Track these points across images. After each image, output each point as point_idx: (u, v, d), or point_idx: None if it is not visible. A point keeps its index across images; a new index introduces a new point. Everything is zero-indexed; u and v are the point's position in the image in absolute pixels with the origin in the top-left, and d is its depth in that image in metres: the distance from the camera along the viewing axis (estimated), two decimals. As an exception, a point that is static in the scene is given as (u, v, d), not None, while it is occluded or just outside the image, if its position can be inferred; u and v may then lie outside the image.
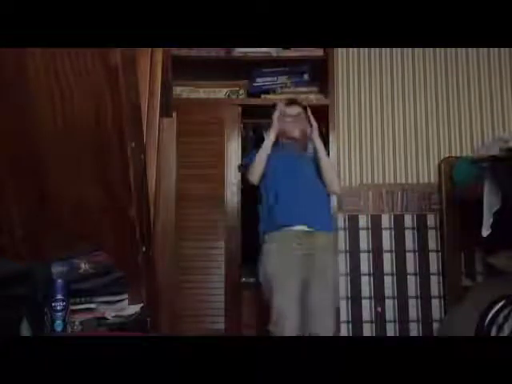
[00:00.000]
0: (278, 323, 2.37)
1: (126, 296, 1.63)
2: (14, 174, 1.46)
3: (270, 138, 2.68)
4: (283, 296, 2.39)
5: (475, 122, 3.51)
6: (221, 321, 3.01)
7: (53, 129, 1.38)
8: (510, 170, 2.47)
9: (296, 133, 2.73)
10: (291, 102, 2.81)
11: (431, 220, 3.37)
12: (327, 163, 2.70)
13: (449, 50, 3.56)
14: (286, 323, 2.35)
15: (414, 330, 3.28)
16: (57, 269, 1.46)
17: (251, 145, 3.40)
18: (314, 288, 2.45)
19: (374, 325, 3.29)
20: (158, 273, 2.02)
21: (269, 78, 3.33)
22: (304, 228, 2.52)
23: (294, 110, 2.77)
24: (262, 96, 3.30)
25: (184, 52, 3.14)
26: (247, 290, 3.08)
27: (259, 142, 3.38)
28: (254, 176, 2.65)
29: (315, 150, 2.70)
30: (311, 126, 2.72)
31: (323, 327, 2.41)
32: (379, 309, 3.29)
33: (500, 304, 2.26)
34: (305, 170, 2.66)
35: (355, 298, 3.31)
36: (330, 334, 2.44)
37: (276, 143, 2.71)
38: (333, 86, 3.28)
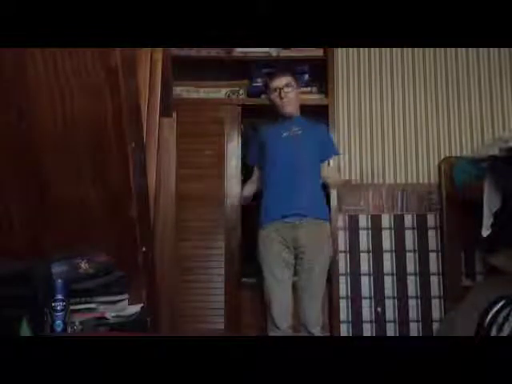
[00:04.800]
0: (269, 307, 2.51)
1: (126, 296, 1.63)
2: (13, 173, 1.46)
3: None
4: (272, 283, 2.52)
5: (475, 122, 3.51)
6: (221, 321, 3.01)
7: (53, 129, 1.38)
8: (510, 169, 2.47)
9: (287, 108, 2.72)
10: (276, 74, 2.78)
11: (431, 220, 3.37)
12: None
13: (449, 49, 3.56)
14: (275, 307, 2.48)
15: (414, 330, 3.28)
16: (57, 269, 1.46)
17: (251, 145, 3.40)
18: (301, 277, 2.55)
19: (374, 325, 3.30)
20: (157, 273, 2.01)
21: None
22: (294, 220, 2.55)
23: (280, 81, 2.72)
24: (262, 96, 3.29)
25: (184, 52, 3.14)
26: (247, 290, 3.08)
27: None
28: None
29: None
30: None
31: (309, 316, 2.49)
32: (379, 309, 3.30)
33: (500, 304, 2.26)
34: (301, 155, 2.65)
35: (355, 298, 3.31)
36: (317, 324, 2.51)
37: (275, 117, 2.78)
38: (333, 86, 3.29)
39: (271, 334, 2.49)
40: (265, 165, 2.72)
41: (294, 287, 2.58)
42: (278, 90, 2.69)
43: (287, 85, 2.71)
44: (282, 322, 2.48)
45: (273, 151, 2.68)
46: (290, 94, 2.70)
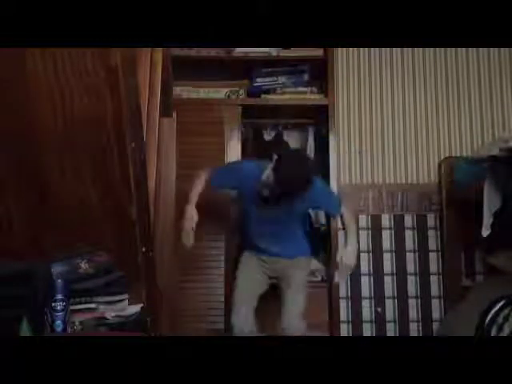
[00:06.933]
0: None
1: (126, 296, 1.63)
2: (14, 173, 1.46)
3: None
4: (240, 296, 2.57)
5: (475, 122, 3.51)
6: (221, 321, 3.01)
7: (53, 129, 1.38)
8: (510, 169, 2.47)
9: None
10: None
11: (431, 220, 3.37)
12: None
13: (449, 49, 3.56)
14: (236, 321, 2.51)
15: (414, 330, 3.28)
16: (57, 269, 1.46)
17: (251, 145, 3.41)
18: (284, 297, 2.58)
19: (374, 325, 3.29)
20: (157, 273, 2.01)
21: (269, 78, 3.33)
22: (274, 258, 2.61)
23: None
24: (262, 96, 3.30)
25: (184, 52, 3.14)
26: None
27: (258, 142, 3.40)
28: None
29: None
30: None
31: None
32: (379, 309, 3.29)
33: (500, 304, 2.27)
34: (283, 224, 2.54)
35: (355, 298, 3.31)
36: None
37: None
38: (333, 85, 3.29)
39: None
40: (245, 213, 2.65)
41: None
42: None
43: None
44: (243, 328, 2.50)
45: (253, 219, 2.56)
46: None
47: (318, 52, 3.29)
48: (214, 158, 3.17)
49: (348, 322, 3.29)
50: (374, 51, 3.56)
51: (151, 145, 2.17)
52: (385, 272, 3.33)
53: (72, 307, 1.46)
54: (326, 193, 2.65)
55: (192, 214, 2.43)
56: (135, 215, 1.55)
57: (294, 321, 2.50)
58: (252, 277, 2.61)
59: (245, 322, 2.50)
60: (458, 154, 3.42)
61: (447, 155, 3.44)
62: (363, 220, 3.38)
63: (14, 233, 1.54)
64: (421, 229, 3.37)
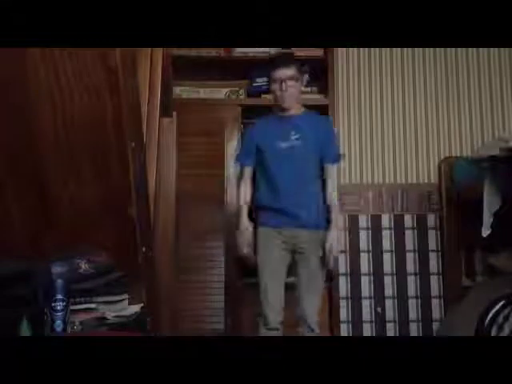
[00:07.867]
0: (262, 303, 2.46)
1: (125, 296, 1.63)
2: (14, 173, 1.46)
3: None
4: (268, 281, 2.48)
5: (475, 122, 3.51)
6: (221, 321, 3.01)
7: (53, 129, 1.38)
8: (510, 169, 2.47)
9: (287, 102, 2.51)
10: (280, 64, 2.52)
11: (431, 220, 3.37)
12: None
13: (449, 49, 3.56)
14: (268, 306, 2.44)
15: (414, 330, 3.28)
16: (57, 269, 1.46)
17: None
18: (300, 275, 2.49)
19: (373, 325, 3.29)
20: (157, 273, 2.01)
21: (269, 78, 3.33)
22: (287, 228, 2.50)
23: (284, 73, 2.49)
24: (262, 96, 3.30)
25: (184, 52, 3.15)
26: (247, 290, 3.07)
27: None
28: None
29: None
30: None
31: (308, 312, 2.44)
32: (379, 309, 3.30)
33: (500, 304, 2.26)
34: (301, 169, 2.52)
35: (355, 298, 3.31)
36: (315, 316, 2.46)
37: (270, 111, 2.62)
38: (333, 86, 3.29)
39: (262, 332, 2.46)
40: (261, 171, 2.60)
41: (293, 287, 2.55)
42: (280, 82, 2.49)
43: (291, 77, 2.49)
44: (275, 318, 2.45)
45: (271, 165, 2.53)
46: (292, 88, 2.50)
47: (318, 52, 3.29)
48: (214, 158, 3.17)
49: (348, 322, 3.29)
50: (374, 51, 3.56)
51: (151, 145, 2.18)
52: (385, 272, 3.33)
53: (72, 307, 1.46)
54: (333, 135, 2.72)
55: (246, 226, 2.50)
56: (135, 215, 1.56)
57: (311, 311, 2.43)
58: (276, 266, 2.48)
59: (278, 313, 2.43)
60: (458, 154, 3.42)
61: (447, 155, 3.44)
62: (363, 220, 3.38)
63: (14, 233, 1.54)
64: (421, 229, 3.37)
